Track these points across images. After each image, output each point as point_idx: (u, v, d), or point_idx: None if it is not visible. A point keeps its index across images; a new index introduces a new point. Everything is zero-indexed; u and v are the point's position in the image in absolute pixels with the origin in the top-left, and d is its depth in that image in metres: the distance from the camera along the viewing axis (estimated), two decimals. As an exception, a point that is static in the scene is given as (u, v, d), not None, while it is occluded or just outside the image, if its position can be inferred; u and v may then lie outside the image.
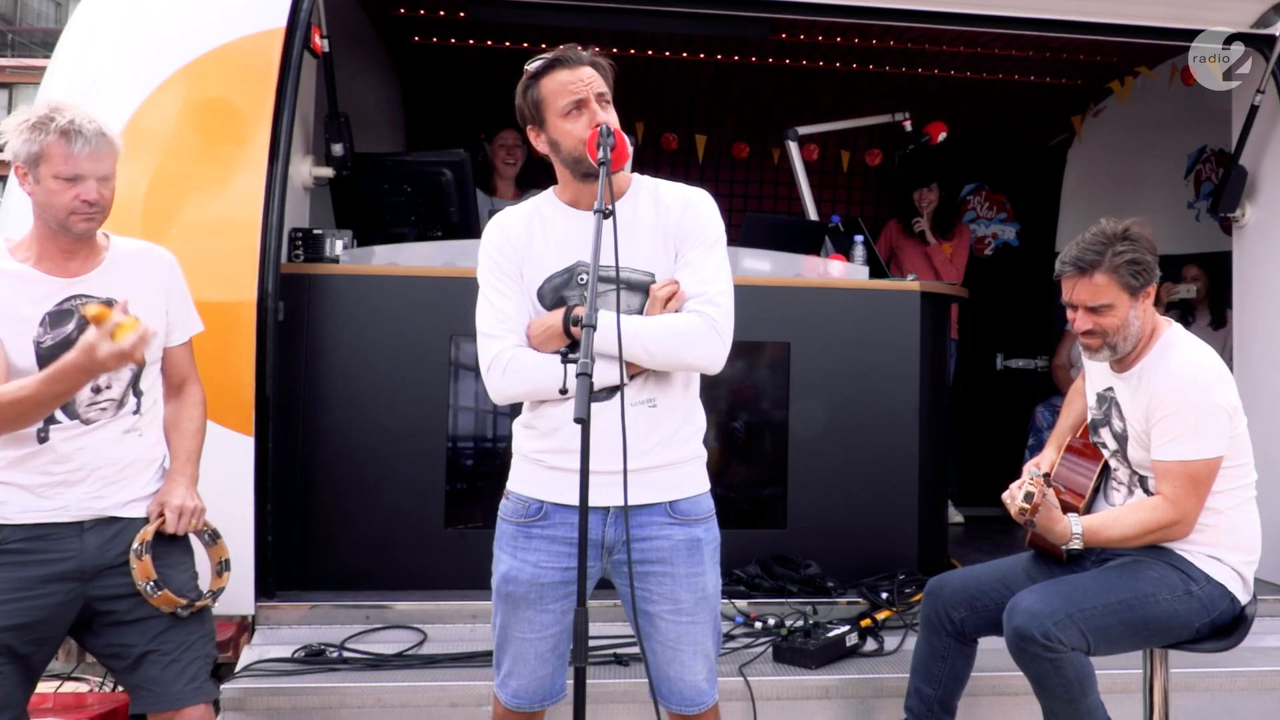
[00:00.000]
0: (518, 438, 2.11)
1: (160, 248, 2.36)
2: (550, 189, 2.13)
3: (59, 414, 2.15)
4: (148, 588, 2.16)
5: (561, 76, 1.99)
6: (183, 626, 2.22)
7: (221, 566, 2.35)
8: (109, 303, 2.09)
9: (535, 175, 5.19)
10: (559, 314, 2.00)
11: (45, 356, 2.12)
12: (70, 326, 2.15)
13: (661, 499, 2.03)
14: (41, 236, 2.16)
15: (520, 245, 2.06)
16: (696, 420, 2.12)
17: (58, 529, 2.15)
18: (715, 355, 1.99)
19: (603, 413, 1.86)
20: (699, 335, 1.97)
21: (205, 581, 2.33)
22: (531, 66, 2.03)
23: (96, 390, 2.18)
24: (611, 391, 1.92)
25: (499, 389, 2.02)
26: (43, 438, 2.14)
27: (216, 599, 2.32)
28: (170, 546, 2.25)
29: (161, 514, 2.23)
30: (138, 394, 2.25)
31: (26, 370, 2.10)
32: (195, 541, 2.35)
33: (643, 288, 2.04)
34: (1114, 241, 2.39)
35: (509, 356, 1.99)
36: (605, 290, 1.99)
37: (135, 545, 2.18)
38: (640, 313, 2.03)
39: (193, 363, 2.41)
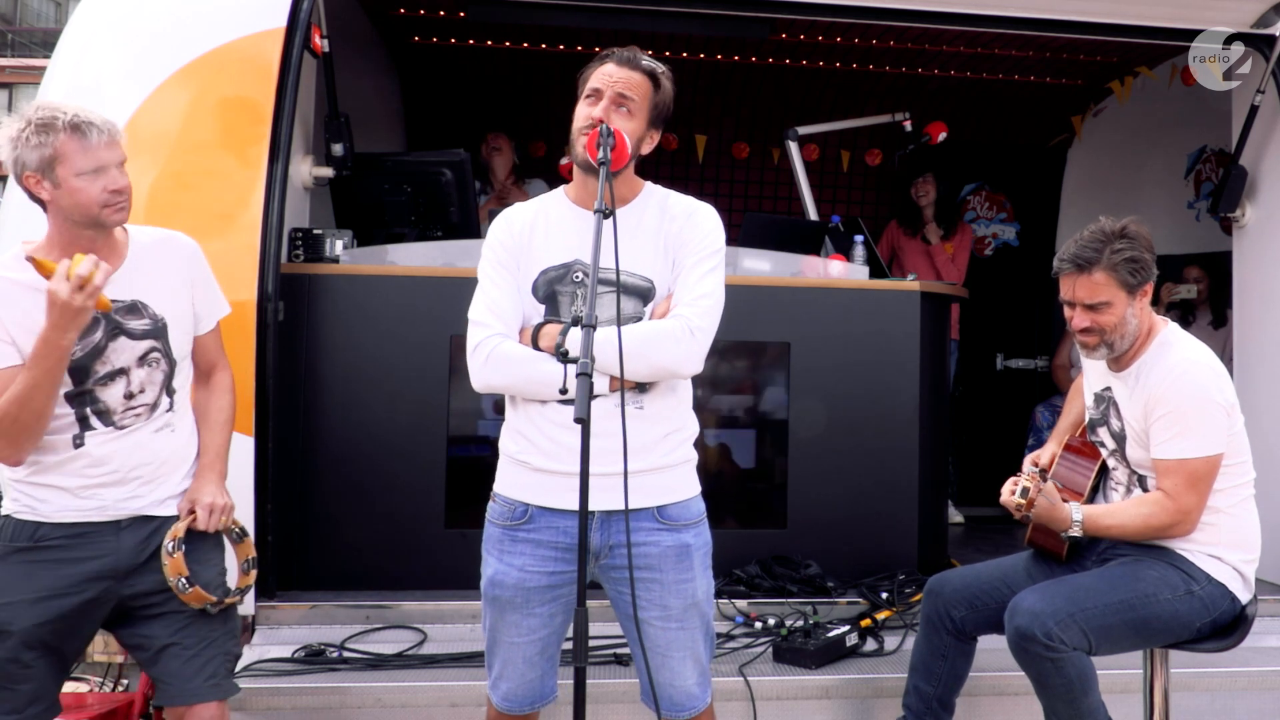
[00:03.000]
0: (503, 439, 2.11)
1: (181, 235, 2.33)
2: (562, 187, 2.14)
3: (95, 421, 2.14)
4: (179, 584, 2.16)
5: (606, 68, 2.02)
6: (205, 622, 2.22)
7: (248, 564, 2.35)
8: (134, 306, 2.12)
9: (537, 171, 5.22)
10: (526, 330, 2.02)
11: (76, 367, 2.10)
12: (98, 335, 2.13)
13: (649, 504, 2.02)
14: (63, 241, 2.11)
15: (522, 239, 2.07)
16: (686, 425, 2.11)
17: (95, 528, 2.15)
18: (687, 356, 1.98)
19: (590, 415, 1.85)
20: (670, 337, 1.96)
21: (232, 579, 2.34)
22: (602, 54, 2.05)
23: (130, 396, 2.17)
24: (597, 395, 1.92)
25: (479, 377, 2.02)
26: (78, 444, 2.13)
27: (244, 596, 2.32)
28: (200, 543, 2.24)
29: (192, 511, 2.23)
30: (170, 393, 2.24)
31: (60, 383, 2.08)
32: (224, 539, 2.35)
33: (640, 292, 2.04)
34: (1112, 239, 2.39)
35: (492, 346, 1.99)
36: (604, 292, 1.98)
37: (167, 542, 2.17)
38: (637, 317, 2.03)
39: (221, 347, 2.40)
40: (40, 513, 2.14)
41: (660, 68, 2.05)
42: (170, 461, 2.24)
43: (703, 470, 2.16)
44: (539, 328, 2.02)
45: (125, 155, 2.13)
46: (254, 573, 2.36)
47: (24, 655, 2.09)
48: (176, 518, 2.23)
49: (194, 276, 2.31)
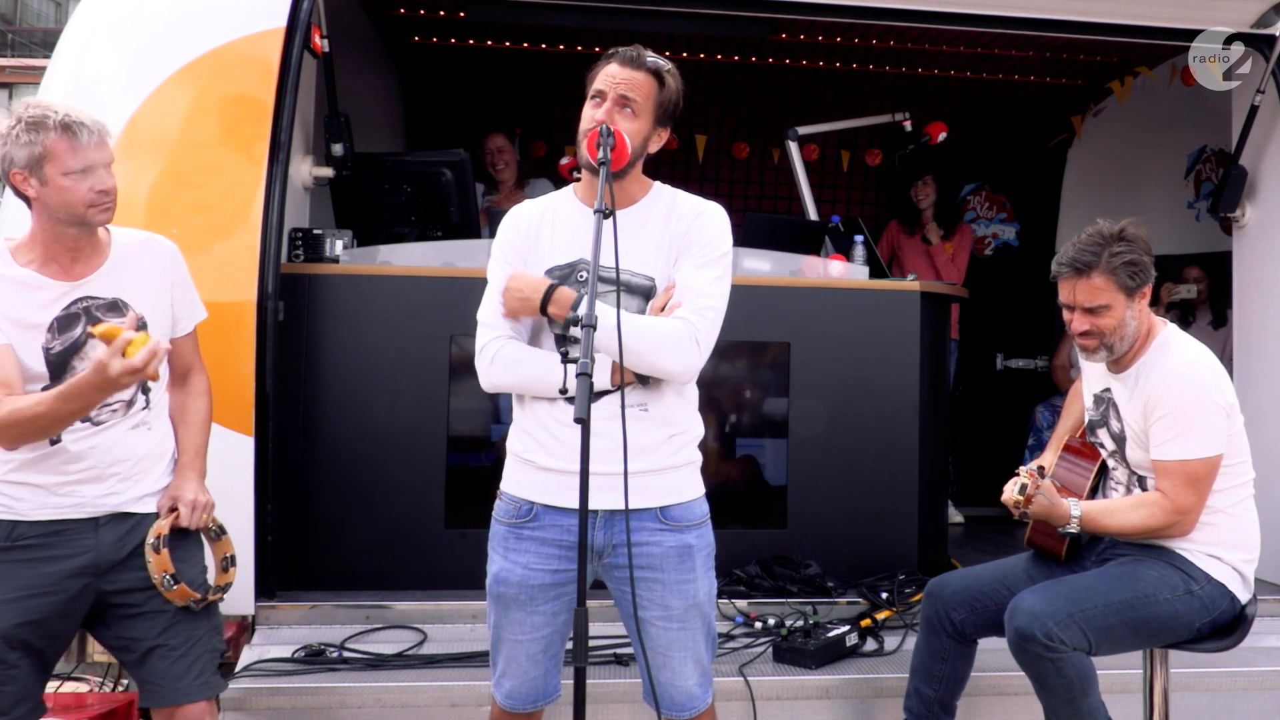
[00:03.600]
0: (510, 438, 2.12)
1: (161, 238, 2.35)
2: (571, 185, 2.15)
3: None
4: (165, 580, 2.16)
5: (610, 68, 2.03)
6: (190, 621, 2.22)
7: (227, 562, 2.35)
8: (115, 304, 2.11)
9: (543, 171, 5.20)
10: (542, 284, 1.98)
11: (55, 362, 2.12)
12: (78, 331, 2.15)
13: (652, 504, 2.03)
14: (46, 238, 2.13)
15: (530, 237, 2.08)
16: (691, 427, 2.11)
17: (73, 525, 2.16)
18: (688, 364, 1.98)
19: (594, 414, 1.86)
20: (675, 341, 1.95)
21: (212, 578, 2.33)
22: (608, 52, 2.06)
23: None
24: (601, 394, 1.94)
25: (486, 377, 2.04)
26: (54, 440, 2.14)
27: (225, 594, 2.33)
28: (181, 541, 2.25)
29: (174, 508, 2.24)
30: (145, 391, 2.25)
31: (38, 376, 2.09)
32: (201, 537, 2.35)
33: (642, 291, 2.04)
34: (1110, 242, 2.39)
35: (498, 347, 2.01)
36: (605, 291, 1.99)
37: (152, 539, 2.18)
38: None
39: (197, 351, 2.41)
40: (17, 511, 2.14)
41: (665, 65, 2.05)
42: (147, 459, 2.25)
43: (703, 470, 2.16)
44: (552, 289, 1.97)
45: (113, 156, 2.15)
46: (233, 570, 2.36)
47: (8, 656, 2.10)
48: (155, 515, 2.23)
49: (174, 279, 2.32)
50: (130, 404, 2.22)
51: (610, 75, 2.01)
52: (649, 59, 2.03)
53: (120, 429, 2.20)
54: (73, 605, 2.16)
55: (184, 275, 2.36)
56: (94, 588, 2.18)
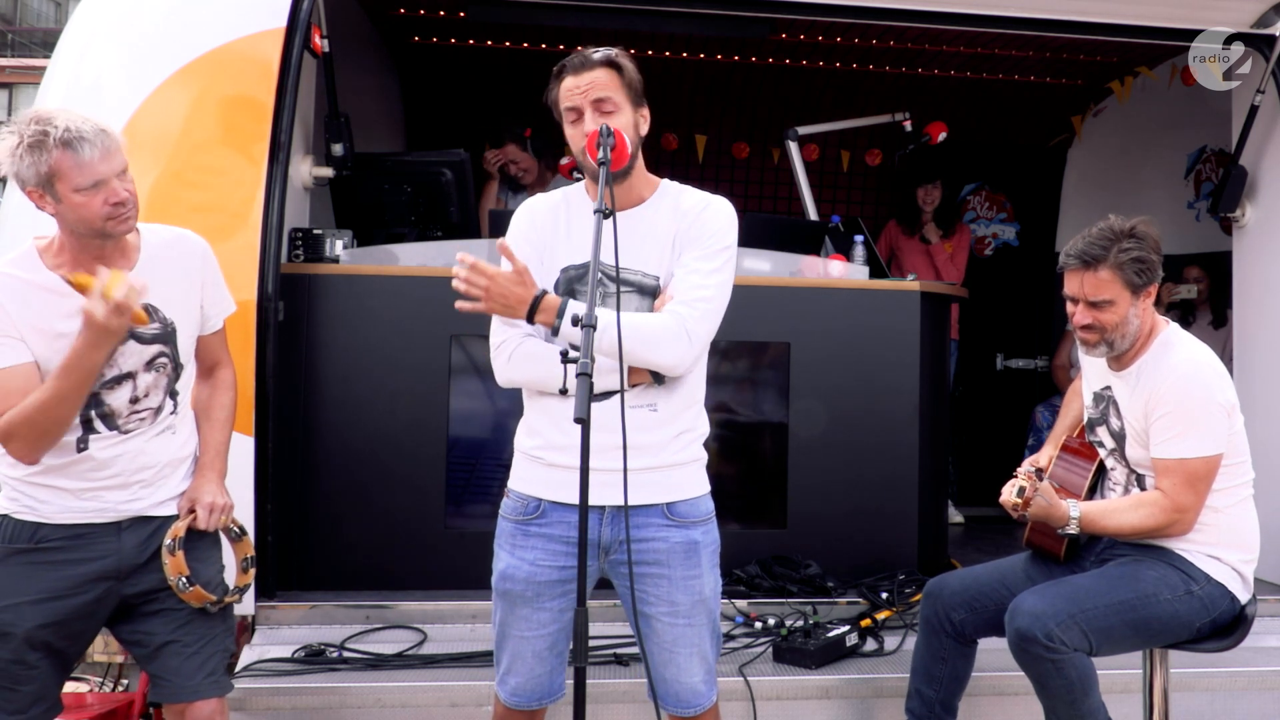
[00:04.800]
0: (519, 435, 2.13)
1: (191, 234, 2.31)
2: (583, 182, 2.14)
3: (99, 424, 2.14)
4: (180, 583, 2.16)
5: (567, 83, 2.02)
6: (205, 620, 2.22)
7: (247, 563, 2.35)
8: (144, 309, 2.06)
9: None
10: (528, 292, 1.90)
11: None
12: None
13: (658, 500, 2.03)
14: (73, 245, 2.10)
15: (544, 232, 2.08)
16: (698, 425, 2.12)
17: (96, 529, 2.16)
18: (680, 356, 1.97)
19: (602, 412, 1.87)
20: (664, 335, 1.95)
21: (230, 577, 2.34)
22: (555, 70, 2.04)
23: (135, 400, 2.17)
24: (611, 394, 1.94)
25: (503, 373, 2.04)
26: (81, 447, 2.13)
27: (243, 595, 2.33)
28: (199, 541, 2.25)
29: (192, 510, 2.23)
30: (174, 396, 2.24)
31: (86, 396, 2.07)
32: (221, 538, 2.35)
33: (650, 291, 2.05)
34: (1120, 238, 2.39)
35: (514, 345, 2.01)
36: (615, 291, 1.99)
37: (168, 541, 2.18)
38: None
39: (225, 344, 2.40)
40: (41, 513, 2.14)
41: (613, 52, 2.03)
42: (171, 463, 2.25)
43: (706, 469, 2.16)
44: (538, 299, 1.92)
45: (126, 163, 2.09)
46: (252, 571, 2.36)
47: (28, 656, 2.10)
48: (176, 517, 2.23)
49: (205, 278, 2.30)
50: (159, 410, 2.21)
51: (574, 88, 2.00)
52: (595, 54, 2.01)
53: (146, 436, 2.19)
54: (94, 607, 2.16)
55: (215, 271, 2.33)
56: (116, 591, 2.18)
